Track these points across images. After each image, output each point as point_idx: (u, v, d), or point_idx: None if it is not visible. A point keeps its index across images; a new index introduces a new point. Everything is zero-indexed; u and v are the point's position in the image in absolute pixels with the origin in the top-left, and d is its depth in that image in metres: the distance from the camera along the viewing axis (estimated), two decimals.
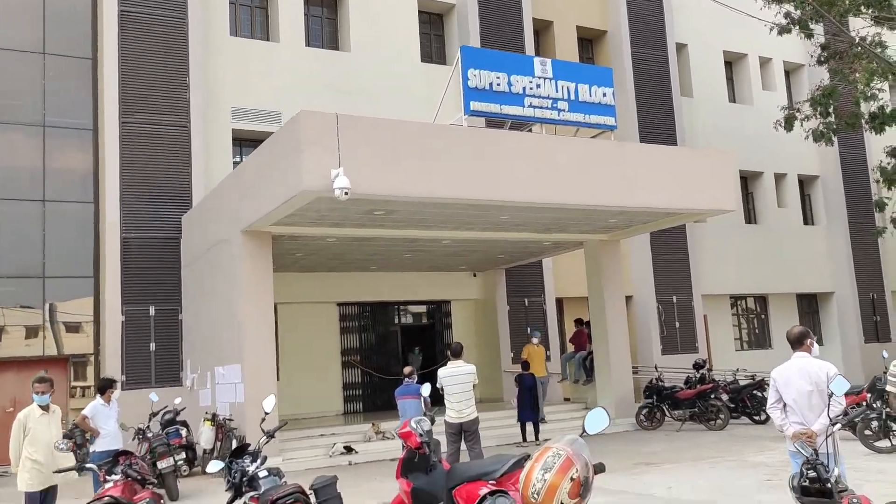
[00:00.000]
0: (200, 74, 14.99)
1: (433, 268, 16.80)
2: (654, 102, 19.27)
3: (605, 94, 12.11)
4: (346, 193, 9.11)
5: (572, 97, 11.80)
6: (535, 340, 14.86)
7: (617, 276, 15.13)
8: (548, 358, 16.08)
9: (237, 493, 5.17)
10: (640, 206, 12.06)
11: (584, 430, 2.88)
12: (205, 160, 14.84)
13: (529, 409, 13.18)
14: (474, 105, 11.12)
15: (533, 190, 10.90)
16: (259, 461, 5.25)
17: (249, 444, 5.63)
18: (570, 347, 17.13)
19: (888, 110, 17.53)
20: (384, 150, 9.85)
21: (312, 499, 5.04)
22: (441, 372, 9.11)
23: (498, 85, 11.27)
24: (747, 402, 14.60)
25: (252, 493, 5.05)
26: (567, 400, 16.79)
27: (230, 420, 11.49)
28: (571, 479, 2.44)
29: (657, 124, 19.07)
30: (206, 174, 14.73)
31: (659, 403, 14.53)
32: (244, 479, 5.13)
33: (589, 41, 20.15)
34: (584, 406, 15.55)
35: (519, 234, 13.61)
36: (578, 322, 16.98)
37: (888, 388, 6.36)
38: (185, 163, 14.65)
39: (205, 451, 11.39)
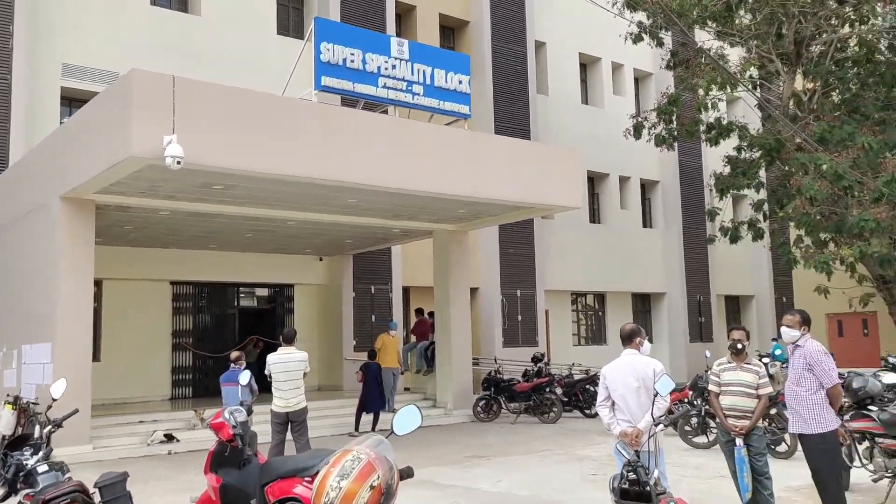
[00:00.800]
0: (27, 22, 13.55)
1: (277, 249, 16.14)
2: (510, 97, 19.45)
3: (461, 82, 11.95)
4: (179, 163, 8.41)
5: (428, 81, 11.55)
6: (392, 332, 14.54)
7: (464, 266, 15.11)
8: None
9: (11, 490, 4.51)
10: (490, 198, 12.02)
11: (391, 431, 2.58)
12: (26, 119, 13.44)
13: (378, 398, 12.94)
14: (325, 80, 10.63)
15: (383, 173, 10.57)
16: (41, 454, 4.61)
17: (31, 435, 4.97)
18: (413, 337, 16.99)
19: (724, 122, 18.56)
20: (226, 120, 9.19)
21: (97, 497, 4.47)
22: (270, 358, 8.61)
23: (352, 62, 10.83)
24: (580, 396, 15.00)
25: (27, 491, 4.41)
26: (407, 390, 16.63)
27: (35, 404, 10.42)
28: (371, 486, 2.12)
29: (512, 119, 19.26)
30: (27, 135, 13.34)
31: (496, 395, 14.65)
32: (20, 473, 4.48)
33: (451, 30, 20.06)
34: (424, 396, 15.45)
35: (367, 218, 13.26)
36: (419, 312, 16.85)
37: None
38: (3, 119, 13.21)
39: (3, 437, 10.28)
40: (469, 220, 14.34)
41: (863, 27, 16.87)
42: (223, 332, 16.64)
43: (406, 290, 18.35)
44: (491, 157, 11.91)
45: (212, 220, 12.59)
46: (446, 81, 11.77)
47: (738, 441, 6.09)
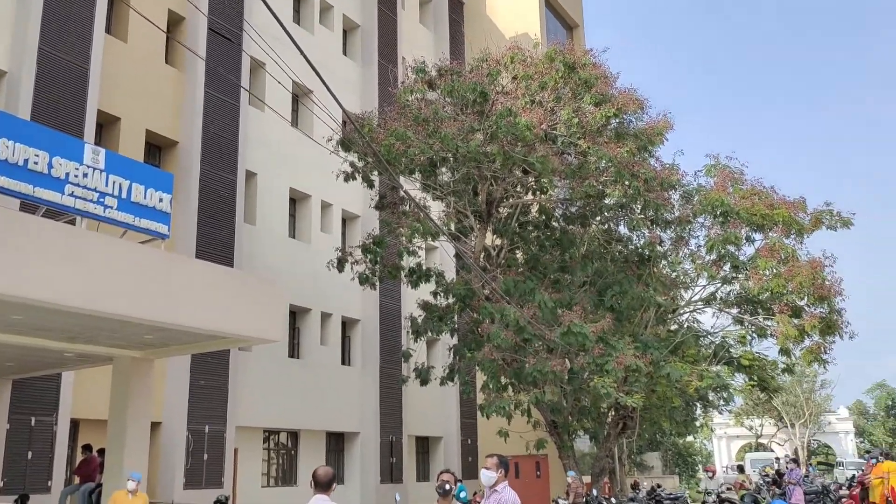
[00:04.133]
0: None
1: None
2: (216, 223, 18.84)
3: (161, 200, 11.27)
4: None
5: (124, 195, 10.73)
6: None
7: (146, 398, 13.68)
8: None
9: None
10: (182, 325, 11.16)
11: None
12: None
13: None
14: (0, 180, 9.40)
15: (58, 289, 9.37)
16: None
17: None
18: (76, 479, 14.85)
19: (423, 268, 19.56)
20: None
21: None
22: None
23: (35, 164, 9.74)
24: None
25: None
26: None
27: None
28: None
29: (216, 245, 18.59)
30: None
31: None
32: None
33: (158, 148, 19.21)
34: None
35: (36, 339, 11.61)
36: (87, 448, 14.89)
37: None
38: None
39: None
40: (158, 347, 13.18)
41: (542, 196, 19.07)
42: None
43: (75, 423, 16.21)
44: (188, 281, 11.18)
45: None
46: (145, 197, 11.03)
47: None
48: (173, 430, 17.38)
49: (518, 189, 18.98)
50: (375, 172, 18.36)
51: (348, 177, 18.46)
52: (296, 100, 22.35)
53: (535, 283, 17.35)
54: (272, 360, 20.01)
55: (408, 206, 17.46)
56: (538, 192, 19.03)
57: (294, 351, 21.81)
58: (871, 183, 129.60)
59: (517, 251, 20.37)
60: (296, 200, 22.81)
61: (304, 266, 21.48)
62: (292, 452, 21.72)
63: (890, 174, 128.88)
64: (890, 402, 71.29)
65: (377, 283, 19.85)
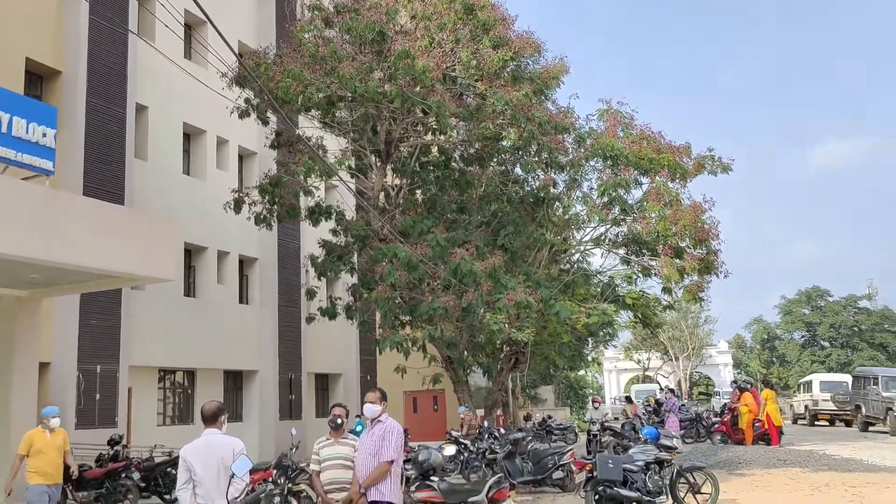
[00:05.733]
0: None
1: None
2: (104, 158, 18.18)
3: (45, 135, 10.87)
4: None
5: (3, 129, 10.29)
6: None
7: (33, 338, 13.39)
8: None
9: None
10: (70, 264, 10.95)
11: None
12: None
13: None
14: None
15: None
16: None
17: None
18: None
19: (323, 207, 19.54)
20: None
21: None
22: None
23: None
24: (160, 480, 14.08)
25: None
26: None
27: None
28: None
29: (105, 181, 17.98)
30: None
31: (63, 484, 13.01)
32: None
33: (40, 77, 18.22)
34: None
35: None
36: None
37: (311, 465, 6.73)
38: None
39: None
40: (44, 287, 12.86)
41: (442, 137, 19.26)
42: None
43: None
44: (75, 219, 10.92)
45: None
46: (27, 132, 10.61)
47: None
48: (63, 370, 17.01)
49: (418, 129, 19.07)
50: (270, 110, 18.06)
51: (243, 114, 18.11)
52: (189, 30, 21.56)
53: (433, 222, 17.65)
54: (167, 298, 19.72)
55: (303, 145, 17.31)
56: (437, 133, 19.19)
57: (190, 290, 21.53)
58: (760, 127, 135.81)
59: (417, 191, 20.58)
60: (190, 136, 22.19)
61: (199, 204, 21.06)
62: (189, 391, 21.63)
63: (778, 119, 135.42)
64: (765, 336, 76.39)
65: (274, 223, 19.72)
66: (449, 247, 16.59)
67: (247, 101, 17.99)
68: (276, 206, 18.85)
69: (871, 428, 27.22)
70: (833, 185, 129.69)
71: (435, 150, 20.16)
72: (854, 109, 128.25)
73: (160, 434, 18.96)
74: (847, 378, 33.74)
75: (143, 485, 13.80)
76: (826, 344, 72.65)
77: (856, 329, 71.40)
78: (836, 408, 31.71)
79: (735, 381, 34.44)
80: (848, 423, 30.32)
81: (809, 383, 35.62)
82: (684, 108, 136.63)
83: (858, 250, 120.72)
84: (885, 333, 70.71)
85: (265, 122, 18.77)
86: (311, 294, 20.31)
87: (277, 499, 10.89)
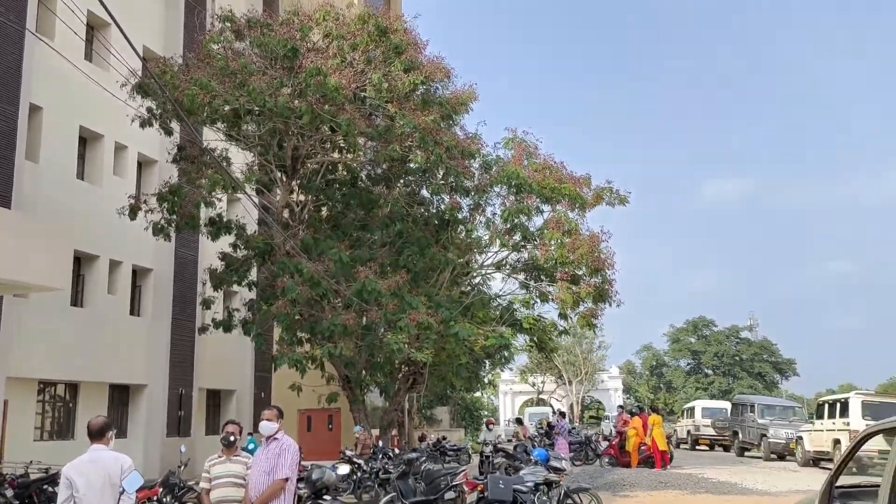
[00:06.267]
0: None
1: None
2: None
3: None
4: None
5: None
6: None
7: None
8: None
9: None
10: None
11: None
12: None
13: None
14: None
15: None
16: None
17: None
18: None
19: (224, 219, 19.21)
20: None
21: None
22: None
23: None
24: (36, 497, 13.39)
25: None
26: None
27: None
28: None
29: None
30: None
31: None
32: None
33: None
34: None
35: None
36: None
37: (201, 483, 6.60)
38: None
39: None
40: None
41: (349, 156, 19.31)
42: None
43: None
44: None
45: None
46: None
47: None
48: None
49: (326, 146, 19.07)
50: (174, 121, 17.68)
51: (145, 123, 17.64)
52: (92, 31, 20.86)
53: (336, 240, 17.64)
54: (52, 308, 18.84)
55: (208, 157, 17.01)
56: (345, 152, 19.23)
57: (77, 299, 20.64)
58: (653, 169, 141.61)
59: (322, 208, 20.51)
60: (87, 140, 21.38)
61: (93, 210, 20.27)
62: (70, 405, 20.66)
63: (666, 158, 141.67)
64: (654, 363, 79.32)
65: (172, 234, 19.24)
66: (352, 265, 16.61)
67: (149, 110, 17.55)
68: (174, 216, 18.40)
69: (746, 453, 28.64)
70: (721, 220, 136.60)
71: (342, 168, 20.18)
72: (737, 149, 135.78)
73: (37, 449, 18.02)
74: (727, 405, 35.46)
75: (16, 502, 13.10)
76: (710, 371, 76.10)
77: (737, 358, 75.15)
78: (715, 433, 33.25)
79: (621, 406, 35.67)
80: (726, 448, 31.78)
81: (692, 409, 37.24)
82: (587, 138, 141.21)
83: (742, 283, 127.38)
84: (764, 363, 74.74)
85: (168, 133, 18.34)
86: (206, 304, 19.88)
87: None
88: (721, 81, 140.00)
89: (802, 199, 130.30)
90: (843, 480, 6.52)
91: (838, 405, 22.83)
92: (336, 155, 19.53)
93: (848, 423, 21.26)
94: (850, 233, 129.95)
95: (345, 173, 20.20)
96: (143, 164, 23.29)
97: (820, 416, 23.87)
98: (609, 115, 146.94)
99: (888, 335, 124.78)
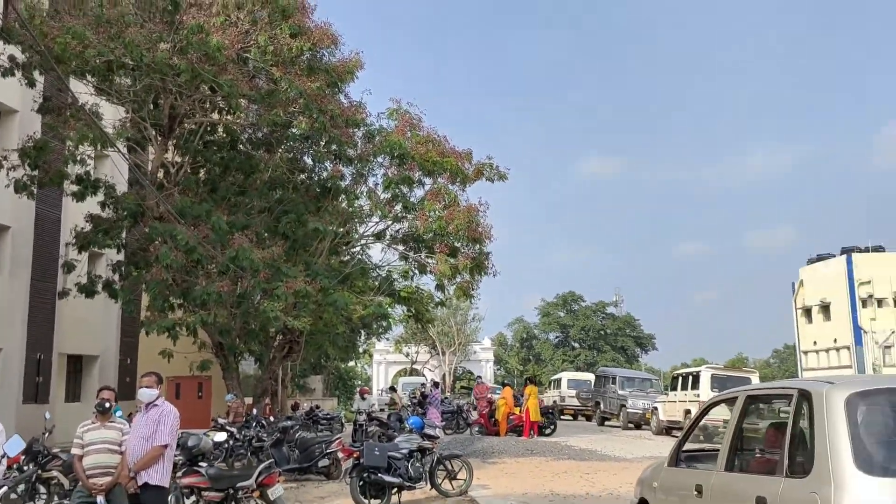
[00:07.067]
0: None
1: None
2: None
3: None
4: None
5: None
6: None
7: None
8: None
9: None
10: None
11: None
12: None
13: None
14: None
15: None
16: None
17: None
18: None
19: (92, 178, 18.29)
20: None
21: None
22: None
23: None
24: None
25: None
26: None
27: None
28: None
29: None
30: None
31: None
32: None
33: None
34: None
35: None
36: None
37: (73, 450, 6.43)
38: None
39: None
40: None
41: (230, 117, 18.80)
42: None
43: None
44: None
45: None
46: None
47: (100, 499, 6.13)
48: None
49: (206, 106, 18.47)
50: (38, 71, 16.60)
51: (6, 72, 16.48)
52: None
53: (213, 205, 17.21)
54: None
55: (77, 109, 16.13)
56: (225, 113, 18.71)
57: None
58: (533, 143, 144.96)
59: (199, 171, 19.90)
60: None
61: None
62: None
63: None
64: (525, 335, 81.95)
65: (35, 191, 18.16)
66: (229, 231, 16.28)
67: (11, 58, 16.42)
68: (38, 172, 17.37)
69: (607, 422, 30.31)
70: (592, 198, 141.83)
71: (222, 130, 19.62)
72: (610, 128, 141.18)
73: None
74: (591, 377, 37.26)
75: None
76: (576, 345, 79.50)
77: (602, 332, 78.85)
78: (579, 404, 34.96)
79: (480, 377, 37.26)
80: (588, 418, 33.50)
81: (559, 381, 38.93)
82: (473, 113, 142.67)
83: (609, 260, 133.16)
84: (627, 338, 78.79)
85: (31, 84, 17.19)
86: (69, 267, 18.94)
87: (23, 486, 10.18)
88: (603, 57, 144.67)
89: (666, 181, 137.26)
90: (691, 446, 7.17)
91: (690, 378, 24.55)
92: (216, 116, 18.96)
93: (698, 395, 22.90)
94: (708, 214, 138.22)
95: (224, 135, 19.65)
96: (1, 114, 21.77)
97: (674, 388, 25.57)
98: (495, 90, 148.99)
99: (738, 313, 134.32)
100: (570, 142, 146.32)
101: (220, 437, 12.91)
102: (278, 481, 9.07)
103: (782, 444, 5.01)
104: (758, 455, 5.75)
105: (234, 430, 15.02)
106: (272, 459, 11.39)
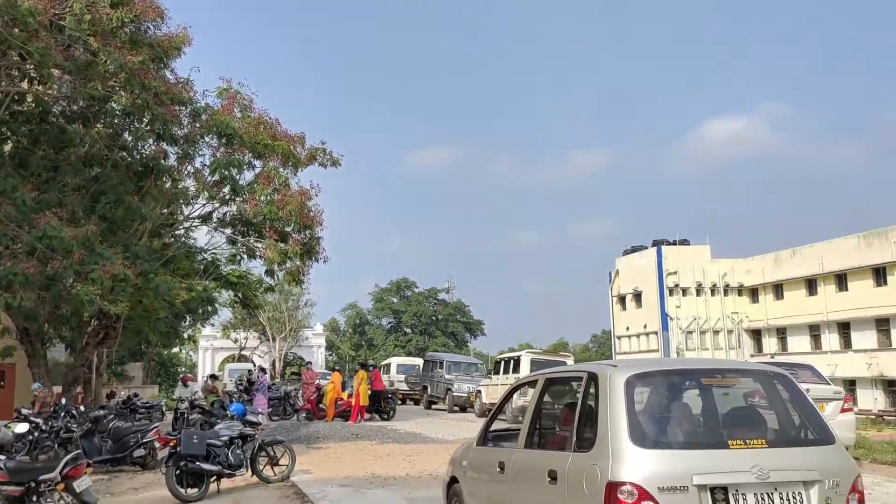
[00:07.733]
0: None
1: None
2: None
3: None
4: None
5: None
6: None
7: None
8: None
9: None
10: None
11: None
12: None
13: None
14: None
15: None
16: None
17: None
18: None
19: None
20: None
21: None
22: None
23: None
24: None
25: None
26: None
27: None
28: None
29: None
30: None
31: None
32: None
33: None
34: None
35: None
36: None
37: None
38: None
39: None
40: None
41: (40, 87, 17.51)
42: None
43: None
44: None
45: None
46: None
47: None
48: None
49: (13, 74, 17.09)
50: None
51: None
52: None
53: (20, 180, 16.01)
54: None
55: None
56: (36, 83, 17.41)
57: None
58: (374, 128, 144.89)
59: (5, 143, 18.40)
60: None
61: None
62: None
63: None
64: (358, 321, 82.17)
65: None
66: (38, 209, 15.22)
67: None
68: None
69: (434, 406, 31.11)
70: (427, 187, 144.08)
71: (31, 100, 18.24)
72: (449, 118, 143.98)
73: None
74: (420, 362, 38.04)
75: None
76: (409, 330, 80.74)
77: (434, 318, 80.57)
78: (408, 388, 35.62)
79: (309, 362, 37.40)
80: (417, 402, 34.23)
81: (389, 365, 39.43)
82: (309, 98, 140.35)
83: (443, 247, 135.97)
84: (457, 323, 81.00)
85: None
86: None
87: None
88: (445, 54, 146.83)
89: (500, 173, 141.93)
90: (498, 426, 7.65)
91: (512, 362, 25.71)
92: (25, 85, 17.60)
93: (518, 378, 24.06)
94: (539, 206, 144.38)
95: (34, 106, 18.28)
96: None
97: (497, 372, 26.68)
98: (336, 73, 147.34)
99: (562, 300, 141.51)
100: (408, 131, 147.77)
101: (22, 428, 12.14)
102: (86, 473, 8.70)
103: (573, 422, 5.50)
104: (555, 433, 6.25)
105: (39, 420, 14.10)
106: (80, 450, 10.87)
